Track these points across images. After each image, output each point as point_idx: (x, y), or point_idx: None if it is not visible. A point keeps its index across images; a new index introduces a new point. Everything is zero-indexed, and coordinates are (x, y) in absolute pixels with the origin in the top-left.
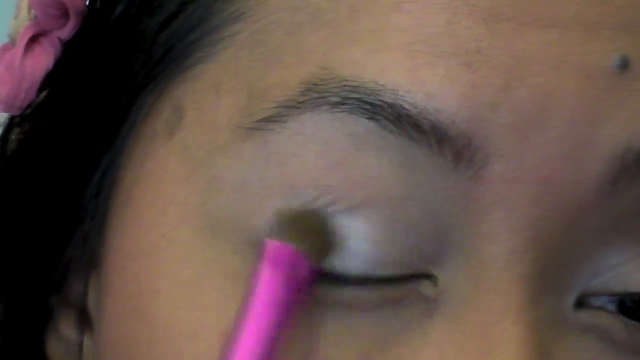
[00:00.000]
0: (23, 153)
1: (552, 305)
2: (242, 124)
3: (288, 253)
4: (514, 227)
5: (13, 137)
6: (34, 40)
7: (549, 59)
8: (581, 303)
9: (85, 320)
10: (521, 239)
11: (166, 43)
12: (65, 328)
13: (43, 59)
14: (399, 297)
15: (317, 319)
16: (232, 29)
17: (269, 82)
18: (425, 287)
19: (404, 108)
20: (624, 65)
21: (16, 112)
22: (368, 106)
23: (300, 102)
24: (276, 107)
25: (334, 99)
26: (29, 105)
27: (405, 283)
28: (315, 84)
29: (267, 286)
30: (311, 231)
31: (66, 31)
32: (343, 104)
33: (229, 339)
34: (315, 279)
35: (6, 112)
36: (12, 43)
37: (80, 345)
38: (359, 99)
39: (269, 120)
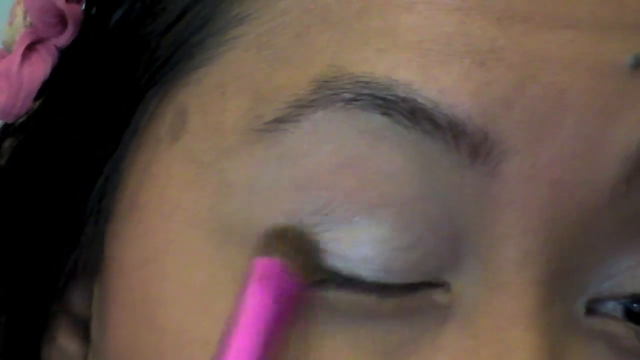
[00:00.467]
0: (20, 161)
1: (564, 310)
2: (252, 126)
3: (276, 268)
4: (528, 227)
5: (6, 145)
6: (30, 48)
7: (563, 58)
8: (591, 309)
9: (84, 330)
10: (535, 240)
11: (169, 47)
12: (62, 336)
13: (40, 67)
14: (412, 306)
15: (328, 327)
16: (237, 31)
17: (277, 83)
18: (438, 293)
19: (418, 102)
20: (637, 64)
21: (12, 120)
22: (381, 101)
23: (312, 101)
24: (287, 108)
25: (348, 95)
26: (25, 113)
27: (419, 291)
28: (326, 81)
29: (255, 301)
30: (298, 247)
31: (64, 39)
32: (356, 100)
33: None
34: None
35: (2, 119)
36: (6, 50)
37: (76, 355)
38: (371, 95)
39: (280, 120)
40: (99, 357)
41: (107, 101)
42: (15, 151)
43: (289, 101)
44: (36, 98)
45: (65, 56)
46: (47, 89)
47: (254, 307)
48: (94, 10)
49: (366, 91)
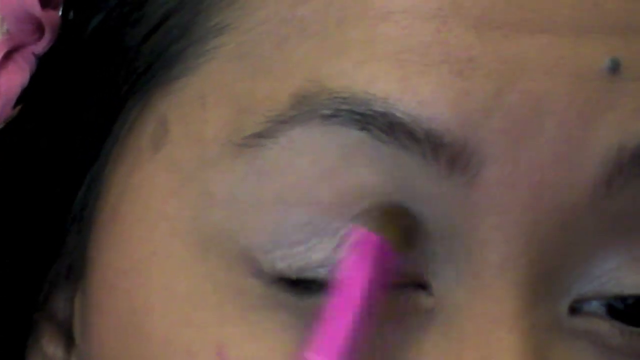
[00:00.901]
0: (0, 169)
1: (548, 311)
2: (232, 138)
3: (376, 241)
4: (508, 232)
5: None
6: (8, 56)
7: (541, 63)
8: (575, 309)
9: (68, 337)
10: (516, 245)
11: (149, 55)
12: (47, 343)
13: (18, 76)
14: (396, 309)
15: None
16: (217, 41)
17: (257, 96)
18: (422, 297)
19: (396, 116)
20: (615, 67)
21: None
22: (359, 117)
23: (290, 117)
24: (266, 122)
25: (326, 112)
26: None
27: (401, 294)
28: (305, 97)
29: (358, 273)
30: (396, 222)
31: (41, 46)
32: (335, 116)
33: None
34: None
35: None
36: None
37: None
38: (350, 110)
39: (259, 135)
40: None
41: (86, 109)
42: None
43: (268, 115)
44: (15, 105)
45: (43, 63)
46: (26, 97)
47: (356, 277)
48: (71, 15)
49: (345, 107)
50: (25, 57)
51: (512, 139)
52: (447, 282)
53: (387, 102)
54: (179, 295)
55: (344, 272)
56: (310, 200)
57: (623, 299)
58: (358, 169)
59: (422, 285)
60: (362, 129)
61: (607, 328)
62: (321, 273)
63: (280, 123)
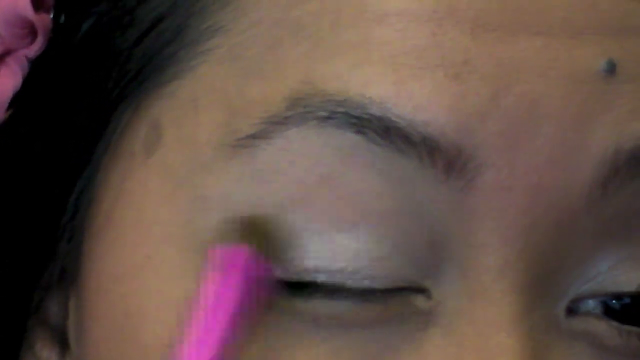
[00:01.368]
0: None
1: (545, 313)
2: (226, 141)
3: (241, 255)
4: (505, 236)
5: None
6: (0, 60)
7: (536, 66)
8: (572, 309)
9: (62, 341)
10: (513, 248)
11: (140, 59)
12: (41, 349)
13: (10, 80)
14: (393, 311)
15: (310, 336)
16: (209, 44)
17: (250, 98)
18: (419, 300)
19: (392, 120)
20: (611, 69)
21: None
22: (355, 120)
23: (285, 118)
24: (260, 124)
25: (322, 114)
26: None
27: (399, 297)
28: (300, 98)
29: (219, 289)
30: (259, 231)
31: (34, 49)
32: (330, 118)
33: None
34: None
35: None
36: None
37: None
38: (345, 113)
39: (253, 137)
40: None
41: (78, 114)
42: None
43: (262, 117)
44: (7, 109)
45: (35, 67)
46: (18, 101)
47: (217, 292)
48: (62, 19)
49: (340, 109)
50: (17, 61)
51: (508, 143)
52: (445, 286)
53: (382, 106)
54: (173, 300)
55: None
56: (306, 202)
57: (619, 298)
58: (354, 172)
59: (420, 290)
60: (358, 132)
61: (604, 328)
62: (319, 277)
63: (274, 124)
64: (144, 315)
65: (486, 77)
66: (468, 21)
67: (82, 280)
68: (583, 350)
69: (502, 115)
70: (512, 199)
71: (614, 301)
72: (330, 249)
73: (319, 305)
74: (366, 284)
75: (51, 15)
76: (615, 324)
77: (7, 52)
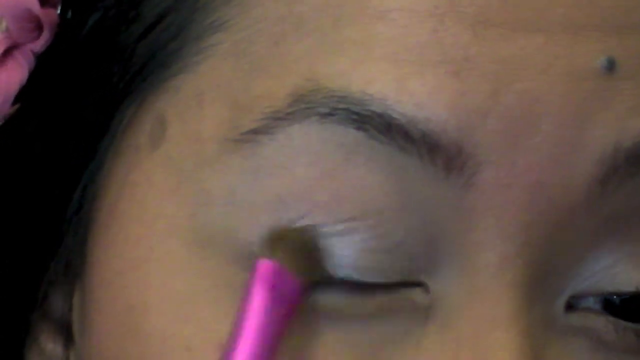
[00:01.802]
0: None
1: (544, 310)
2: (229, 136)
3: (278, 272)
4: (505, 233)
5: None
6: (6, 54)
7: (536, 63)
8: (570, 305)
9: (66, 334)
10: (512, 245)
11: (145, 54)
12: (46, 341)
13: (17, 73)
14: (392, 305)
15: (310, 328)
16: (214, 39)
17: (254, 93)
18: (418, 294)
19: (393, 117)
20: (610, 66)
21: None
22: (356, 116)
23: (288, 114)
24: (263, 119)
25: (323, 110)
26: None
27: (398, 291)
28: (303, 95)
29: (260, 305)
30: (300, 249)
31: (40, 44)
32: (332, 114)
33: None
34: (307, 290)
35: None
36: None
37: (59, 358)
38: (347, 109)
39: (256, 132)
40: None
41: (83, 108)
42: None
43: (265, 112)
44: (13, 103)
45: (41, 61)
46: (25, 95)
47: (258, 310)
48: (69, 14)
49: (342, 106)
50: (24, 55)
51: (508, 140)
52: (445, 282)
53: (384, 103)
54: (177, 293)
55: (249, 306)
56: (308, 198)
57: (620, 294)
58: (356, 169)
59: (419, 285)
60: (359, 128)
61: (603, 324)
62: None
63: (277, 120)
64: (147, 308)
65: (487, 74)
66: (469, 18)
67: (86, 273)
68: (581, 347)
69: (502, 113)
70: (512, 196)
71: (613, 297)
72: (330, 241)
73: (319, 299)
74: (366, 278)
75: (58, 11)
76: (613, 319)
77: (14, 46)
